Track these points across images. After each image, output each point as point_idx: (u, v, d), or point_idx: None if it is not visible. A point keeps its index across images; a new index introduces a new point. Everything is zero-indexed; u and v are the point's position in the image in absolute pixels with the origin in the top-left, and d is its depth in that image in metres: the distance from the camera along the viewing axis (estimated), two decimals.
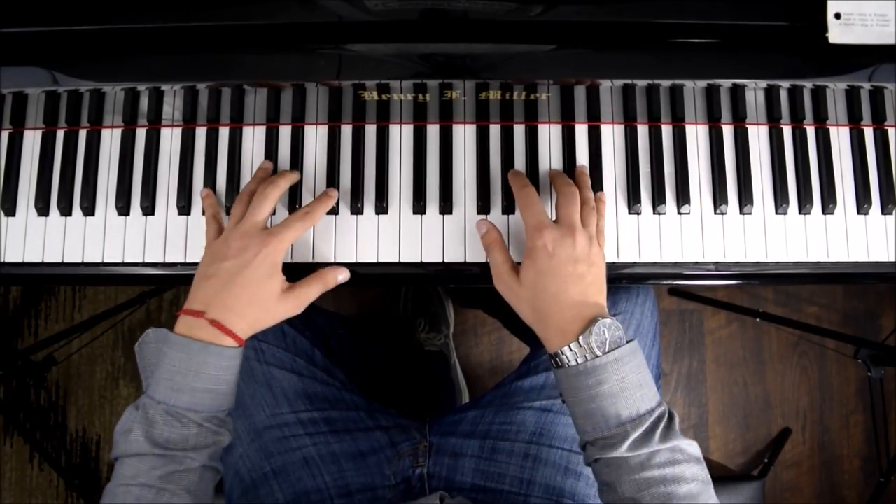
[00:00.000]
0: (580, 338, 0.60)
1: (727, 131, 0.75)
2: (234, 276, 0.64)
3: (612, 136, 0.75)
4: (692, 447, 0.60)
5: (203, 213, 0.74)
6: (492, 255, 0.69)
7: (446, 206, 0.73)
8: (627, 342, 0.61)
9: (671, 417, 0.60)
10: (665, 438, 0.58)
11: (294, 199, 0.74)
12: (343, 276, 0.71)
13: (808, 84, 0.75)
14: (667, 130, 0.75)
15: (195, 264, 0.73)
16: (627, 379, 0.59)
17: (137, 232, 0.74)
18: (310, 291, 0.68)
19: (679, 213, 0.74)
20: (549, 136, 0.75)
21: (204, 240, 0.73)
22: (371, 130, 0.75)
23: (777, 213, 0.74)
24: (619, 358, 0.60)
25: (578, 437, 0.64)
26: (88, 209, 0.74)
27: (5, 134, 0.76)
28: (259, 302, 0.65)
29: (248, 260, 0.65)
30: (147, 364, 0.64)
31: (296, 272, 0.69)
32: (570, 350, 0.61)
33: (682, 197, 0.74)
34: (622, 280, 0.74)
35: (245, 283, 0.64)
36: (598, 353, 0.60)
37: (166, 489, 0.59)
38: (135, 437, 0.60)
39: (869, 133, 0.76)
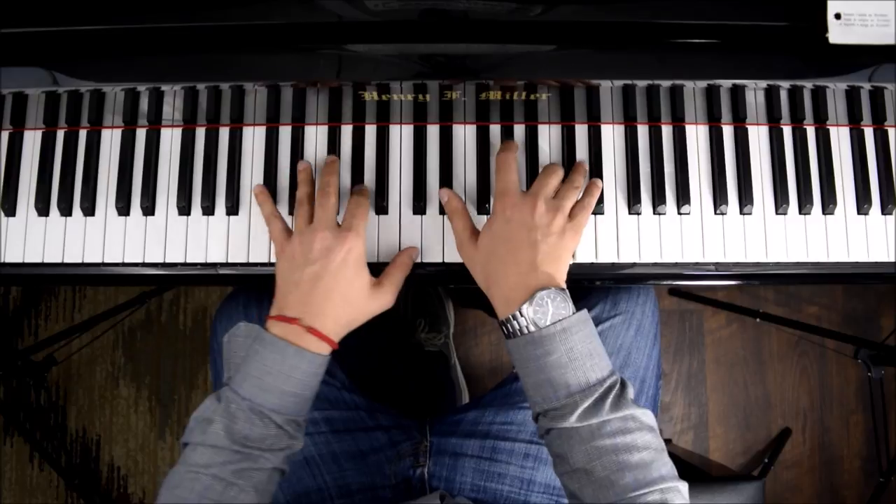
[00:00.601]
0: (523, 306, 0.60)
1: (727, 131, 0.75)
2: (321, 278, 0.64)
3: (612, 136, 0.75)
4: (646, 416, 0.59)
5: (203, 213, 0.74)
6: (453, 222, 0.70)
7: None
8: (577, 312, 0.61)
9: (623, 386, 0.60)
10: (616, 408, 0.58)
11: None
12: (415, 253, 0.72)
13: (808, 84, 0.75)
14: (667, 130, 0.75)
15: (195, 264, 0.73)
16: (576, 349, 0.59)
17: (137, 232, 0.74)
18: (396, 280, 0.69)
19: (679, 213, 0.74)
20: (549, 136, 0.75)
21: (203, 239, 0.73)
22: (371, 130, 0.75)
23: (777, 213, 0.74)
24: (566, 328, 0.59)
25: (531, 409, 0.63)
26: (88, 209, 0.74)
27: (5, 134, 0.76)
28: (351, 302, 0.65)
29: (335, 259, 0.64)
30: (233, 356, 0.64)
31: None
32: (514, 320, 0.61)
33: (682, 197, 0.74)
34: (622, 280, 0.74)
35: (336, 284, 0.64)
36: (541, 324, 0.59)
37: (236, 484, 0.59)
38: (215, 429, 0.60)
39: (869, 133, 0.76)
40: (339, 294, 0.64)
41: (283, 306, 0.64)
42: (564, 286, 0.63)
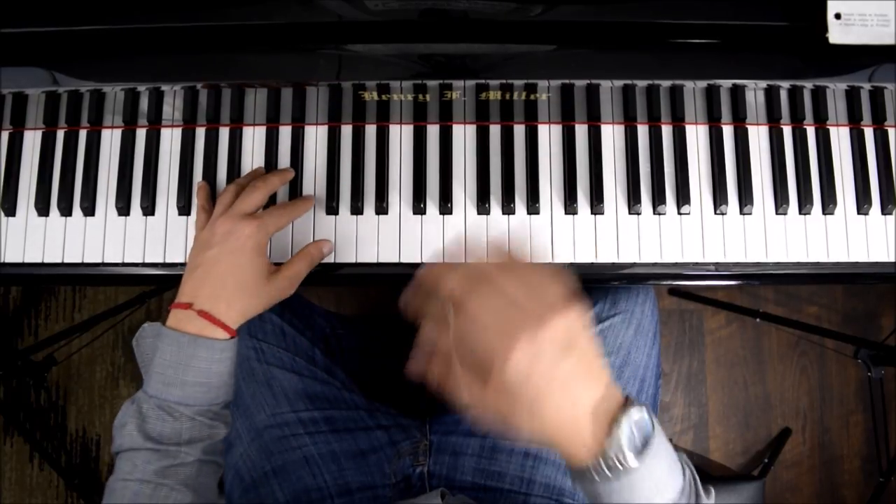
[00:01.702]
0: (607, 449, 0.47)
1: (727, 131, 0.75)
2: (218, 262, 0.63)
3: (612, 136, 0.75)
4: (711, 498, 0.53)
5: None
6: (456, 391, 0.50)
7: (446, 207, 0.73)
8: (654, 429, 0.48)
9: (693, 476, 0.52)
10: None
11: (294, 198, 0.74)
12: (327, 248, 0.71)
13: (808, 84, 0.75)
14: (667, 130, 0.75)
15: None
16: (659, 470, 0.48)
17: (137, 232, 0.74)
18: (297, 269, 0.67)
19: (679, 213, 0.74)
20: (549, 136, 0.75)
21: None
22: (371, 130, 0.75)
23: (777, 213, 0.74)
24: (654, 454, 0.47)
25: None
26: (88, 209, 0.74)
27: (5, 134, 0.76)
28: (246, 287, 0.64)
29: (232, 244, 0.64)
30: (144, 359, 0.64)
31: None
32: (599, 466, 0.47)
33: (682, 197, 0.74)
34: (622, 280, 0.74)
35: (230, 268, 0.63)
36: (630, 461, 0.46)
37: (164, 484, 0.58)
38: (129, 430, 0.60)
39: (869, 133, 0.76)
40: (234, 278, 0.63)
41: (181, 292, 0.64)
42: (620, 390, 0.49)
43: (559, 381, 0.46)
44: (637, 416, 0.48)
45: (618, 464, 0.46)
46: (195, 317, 0.62)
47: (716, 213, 0.74)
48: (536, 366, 0.45)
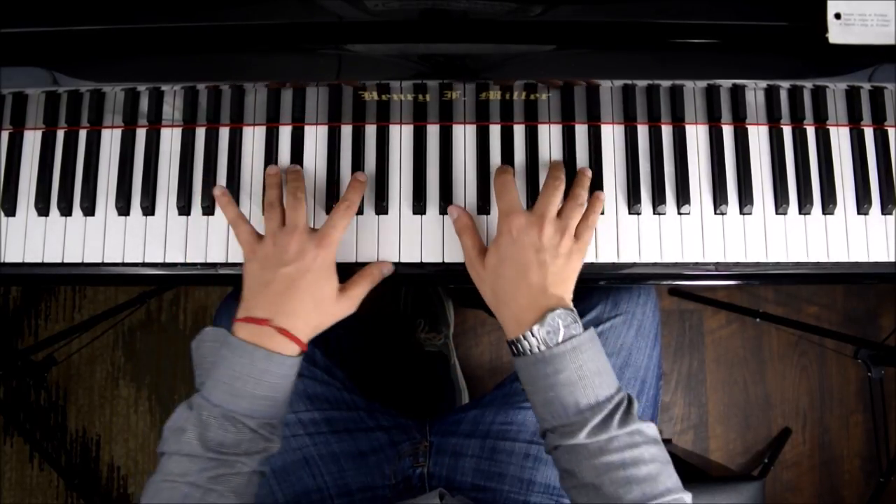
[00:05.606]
0: (534, 327, 0.61)
1: (727, 131, 0.75)
2: (296, 281, 0.64)
3: (612, 136, 0.75)
4: (650, 429, 0.60)
5: (202, 213, 0.74)
6: (462, 239, 0.70)
7: (446, 207, 0.73)
8: (585, 331, 0.62)
9: (630, 403, 0.61)
10: (624, 423, 0.59)
11: None
12: (387, 269, 0.72)
13: (808, 84, 0.75)
14: (667, 130, 0.75)
15: (195, 264, 0.73)
16: (585, 367, 0.60)
17: (137, 232, 0.74)
18: (361, 290, 0.69)
19: (679, 213, 0.74)
20: (549, 136, 0.75)
21: (203, 239, 0.73)
22: (371, 130, 0.75)
23: (777, 213, 0.74)
24: (576, 347, 0.60)
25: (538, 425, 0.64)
26: (88, 209, 0.74)
27: (5, 134, 0.76)
28: (321, 305, 0.65)
29: (309, 263, 0.65)
30: (203, 362, 0.64)
31: None
32: (525, 339, 0.61)
33: (682, 197, 0.74)
34: (622, 280, 0.74)
35: (308, 286, 0.64)
36: (551, 343, 0.60)
37: (214, 490, 0.59)
38: (188, 437, 0.60)
39: (869, 133, 0.76)
40: (311, 296, 0.64)
41: (251, 307, 0.64)
42: (572, 306, 0.63)
43: (533, 264, 0.63)
44: (566, 314, 0.61)
45: (537, 340, 0.60)
46: (275, 333, 0.62)
47: (716, 213, 0.74)
48: (525, 238, 0.64)
